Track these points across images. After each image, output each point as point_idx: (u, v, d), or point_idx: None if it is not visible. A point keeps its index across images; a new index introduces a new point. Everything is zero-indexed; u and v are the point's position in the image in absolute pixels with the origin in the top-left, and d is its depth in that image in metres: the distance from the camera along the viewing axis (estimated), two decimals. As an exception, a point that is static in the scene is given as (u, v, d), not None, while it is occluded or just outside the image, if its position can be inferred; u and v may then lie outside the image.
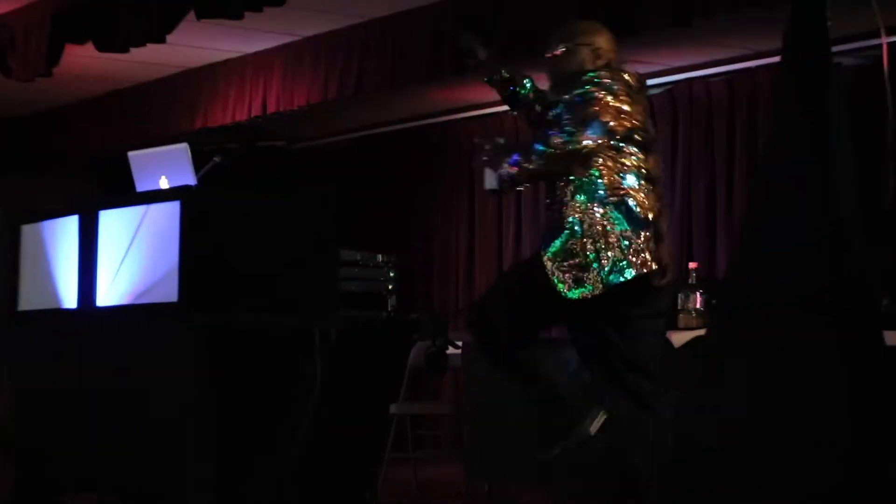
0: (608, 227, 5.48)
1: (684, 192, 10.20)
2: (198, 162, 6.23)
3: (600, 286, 5.45)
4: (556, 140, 5.57)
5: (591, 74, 5.69)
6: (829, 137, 3.62)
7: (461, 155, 11.73)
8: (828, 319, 3.50)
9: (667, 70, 10.18)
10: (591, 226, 5.49)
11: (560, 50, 5.90)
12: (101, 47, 8.78)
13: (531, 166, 5.63)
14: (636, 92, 5.69)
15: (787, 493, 3.52)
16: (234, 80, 10.41)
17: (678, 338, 7.10)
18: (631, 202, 5.51)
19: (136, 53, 8.98)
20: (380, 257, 6.53)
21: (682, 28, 7.55)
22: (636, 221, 5.50)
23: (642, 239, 5.49)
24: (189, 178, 6.14)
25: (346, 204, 6.21)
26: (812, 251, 3.55)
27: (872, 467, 3.41)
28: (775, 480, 3.52)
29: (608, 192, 5.52)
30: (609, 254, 5.46)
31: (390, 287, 6.48)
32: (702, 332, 6.91)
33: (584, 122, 5.56)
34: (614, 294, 5.48)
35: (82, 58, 9.77)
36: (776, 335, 3.58)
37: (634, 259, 5.47)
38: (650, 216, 5.54)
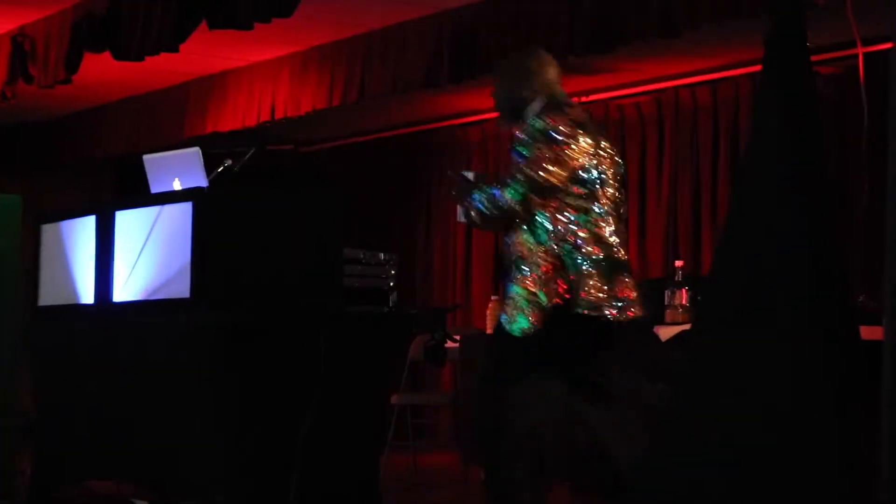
0: (549, 269, 5.32)
1: (671, 193, 10.21)
2: (209, 165, 6.23)
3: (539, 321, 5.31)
4: (493, 197, 5.39)
5: (532, 123, 5.43)
6: (808, 143, 3.63)
7: (460, 158, 11.73)
8: (805, 319, 3.50)
9: (654, 78, 10.19)
10: (533, 266, 5.34)
11: (498, 87, 5.72)
12: (118, 56, 8.78)
13: (475, 219, 5.49)
14: (580, 127, 5.44)
15: (771, 483, 3.52)
16: (243, 86, 10.41)
17: (665, 332, 7.11)
18: (571, 244, 5.32)
19: (151, 62, 8.97)
20: (381, 255, 6.53)
21: (668, 39, 7.56)
22: (576, 264, 5.31)
23: (585, 277, 5.29)
24: (201, 180, 6.14)
25: (349, 204, 6.21)
26: (791, 252, 3.55)
27: (853, 458, 3.41)
28: (759, 472, 3.52)
29: (549, 235, 5.33)
30: (544, 290, 5.32)
31: (391, 283, 6.48)
32: (687, 326, 6.92)
33: (513, 178, 5.35)
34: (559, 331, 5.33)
35: (100, 66, 9.77)
36: (757, 332, 3.59)
37: (570, 297, 5.29)
38: (595, 256, 5.33)
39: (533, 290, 5.30)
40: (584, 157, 5.38)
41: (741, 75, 9.71)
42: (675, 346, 6.90)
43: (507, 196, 5.33)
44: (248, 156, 6.43)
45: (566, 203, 5.35)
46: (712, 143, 10.00)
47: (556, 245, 5.31)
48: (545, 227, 5.34)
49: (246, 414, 5.69)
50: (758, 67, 8.83)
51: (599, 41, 7.58)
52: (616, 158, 5.54)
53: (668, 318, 7.31)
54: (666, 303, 7.36)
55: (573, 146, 5.37)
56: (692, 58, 9.55)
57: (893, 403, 3.06)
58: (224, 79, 10.61)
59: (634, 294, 5.42)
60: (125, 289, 6.13)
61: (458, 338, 8.64)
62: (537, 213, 5.35)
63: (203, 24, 8.11)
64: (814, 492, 3.42)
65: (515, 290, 5.36)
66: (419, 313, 9.24)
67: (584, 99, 10.62)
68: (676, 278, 7.53)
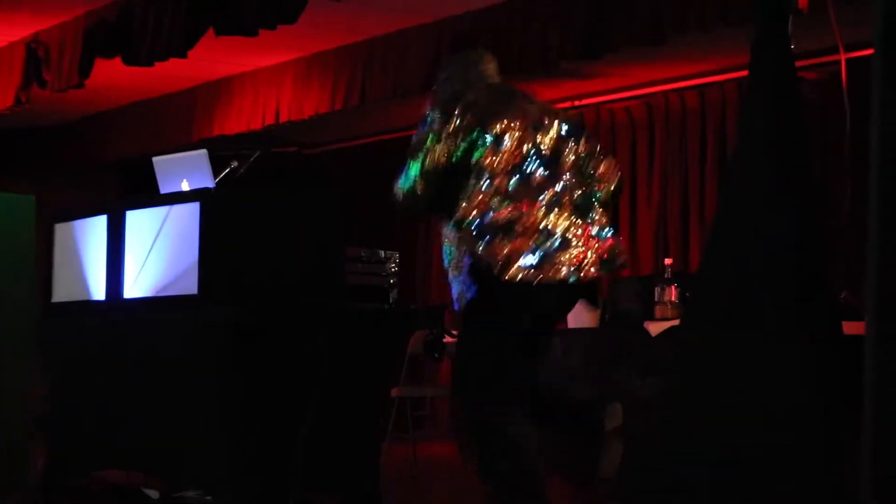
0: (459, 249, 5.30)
1: (661, 193, 10.21)
2: (216, 166, 6.23)
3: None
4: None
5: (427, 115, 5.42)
6: (793, 145, 3.62)
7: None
8: (791, 319, 3.50)
9: (644, 83, 10.19)
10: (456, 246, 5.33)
11: (440, 83, 5.67)
12: (129, 61, 8.78)
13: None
14: (484, 111, 5.31)
15: (757, 481, 3.51)
16: (248, 91, 10.42)
17: (655, 328, 7.11)
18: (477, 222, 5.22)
19: (160, 67, 8.97)
20: (382, 253, 6.53)
21: (657, 45, 7.55)
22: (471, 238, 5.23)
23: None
24: (208, 181, 6.13)
25: (350, 205, 6.20)
26: (777, 253, 3.55)
27: (838, 457, 3.40)
28: (745, 469, 3.52)
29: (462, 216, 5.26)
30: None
31: (392, 281, 6.47)
32: (676, 322, 6.92)
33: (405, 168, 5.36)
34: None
35: (111, 71, 9.77)
36: (743, 331, 3.58)
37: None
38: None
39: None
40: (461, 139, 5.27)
41: (728, 80, 9.71)
42: (665, 342, 6.90)
43: (399, 182, 5.36)
44: (253, 158, 6.43)
45: (471, 185, 5.26)
46: (700, 145, 10.01)
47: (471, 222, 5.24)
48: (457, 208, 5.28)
49: (250, 408, 5.68)
50: (744, 73, 8.86)
51: (591, 48, 7.58)
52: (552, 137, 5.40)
53: (657, 314, 7.31)
54: (656, 299, 7.36)
55: (451, 129, 5.27)
56: (680, 63, 9.55)
57: (875, 398, 3.06)
58: (230, 83, 10.61)
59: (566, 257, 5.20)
60: (135, 286, 6.12)
61: (455, 333, 8.64)
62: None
63: (210, 31, 8.11)
64: (799, 490, 3.41)
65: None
66: (418, 310, 9.26)
67: (576, 103, 10.63)
68: (666, 276, 7.53)
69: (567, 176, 5.35)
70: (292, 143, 12.87)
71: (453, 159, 5.27)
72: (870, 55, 3.14)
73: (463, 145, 5.27)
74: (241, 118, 10.45)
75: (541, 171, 5.32)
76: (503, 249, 5.12)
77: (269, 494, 5.77)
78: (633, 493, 3.74)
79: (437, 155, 5.28)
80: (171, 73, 10.16)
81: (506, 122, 5.32)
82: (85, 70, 9.12)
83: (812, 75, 8.79)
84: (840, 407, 3.43)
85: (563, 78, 9.84)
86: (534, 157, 5.33)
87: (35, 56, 9.57)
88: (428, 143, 5.30)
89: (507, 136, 5.29)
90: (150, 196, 6.38)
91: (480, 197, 5.20)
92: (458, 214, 5.25)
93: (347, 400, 5.85)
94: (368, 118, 11.39)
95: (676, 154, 10.16)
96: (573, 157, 5.41)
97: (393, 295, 6.45)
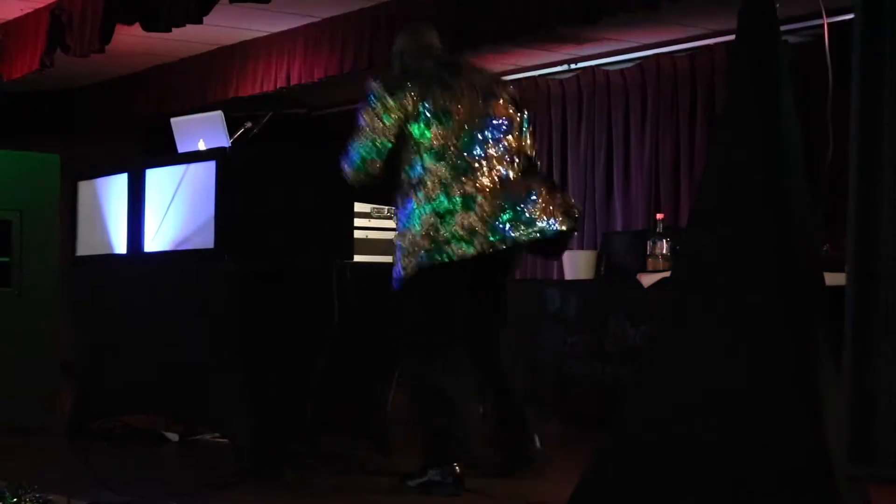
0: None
1: (652, 152, 10.20)
2: (231, 127, 6.22)
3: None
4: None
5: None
6: (778, 106, 3.62)
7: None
8: (775, 280, 3.50)
9: (637, 47, 10.15)
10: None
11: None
12: (147, 27, 8.76)
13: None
14: (405, 83, 5.34)
15: (740, 429, 3.52)
16: (261, 55, 10.39)
17: (647, 279, 7.11)
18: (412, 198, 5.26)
19: (178, 32, 8.95)
20: (387, 209, 6.53)
21: (650, 10, 7.53)
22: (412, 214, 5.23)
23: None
24: (223, 141, 6.13)
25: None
26: (761, 212, 3.55)
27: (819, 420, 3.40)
28: (729, 415, 3.52)
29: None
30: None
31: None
32: (667, 274, 6.92)
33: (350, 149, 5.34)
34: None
35: (131, 36, 9.75)
36: (729, 288, 3.59)
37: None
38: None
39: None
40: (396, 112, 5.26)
41: (717, 44, 9.68)
42: (656, 293, 6.91)
43: (346, 163, 5.35)
44: (266, 119, 6.42)
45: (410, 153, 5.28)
46: (690, 106, 9.99)
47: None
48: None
49: (264, 353, 5.70)
50: (732, 37, 8.83)
51: (587, 13, 7.54)
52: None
53: (649, 267, 7.31)
54: (648, 252, 7.36)
55: (384, 104, 5.28)
56: (672, 28, 9.52)
57: (855, 352, 3.07)
58: (244, 48, 10.58)
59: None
60: (155, 240, 6.13)
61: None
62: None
63: (225, -1, 8.09)
64: (779, 436, 3.42)
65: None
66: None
67: (572, 66, 10.60)
68: (658, 230, 7.52)
69: (509, 141, 5.37)
70: (303, 105, 12.84)
71: (398, 136, 5.27)
72: (852, 20, 3.13)
73: (411, 122, 5.25)
74: (255, 81, 10.43)
75: (490, 139, 5.32)
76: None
77: (283, 436, 5.80)
78: (622, 431, 3.75)
79: (383, 134, 5.27)
80: (188, 39, 10.14)
81: (450, 94, 5.31)
82: (106, 36, 9.09)
83: (796, 39, 8.77)
84: (823, 361, 3.44)
85: (560, 42, 9.82)
86: (482, 128, 5.33)
87: (59, 22, 9.55)
88: (375, 123, 5.27)
89: (451, 110, 5.28)
90: (169, 155, 6.38)
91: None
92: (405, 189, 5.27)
93: (356, 348, 5.87)
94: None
95: (668, 114, 10.15)
96: (516, 124, 5.43)
97: (399, 249, 6.45)
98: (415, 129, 5.25)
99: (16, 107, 12.38)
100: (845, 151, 3.13)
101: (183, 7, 8.39)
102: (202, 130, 6.31)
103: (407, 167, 5.28)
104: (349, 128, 5.41)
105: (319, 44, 9.81)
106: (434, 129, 5.24)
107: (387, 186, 5.46)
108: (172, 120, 6.56)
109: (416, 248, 5.17)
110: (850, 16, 3.16)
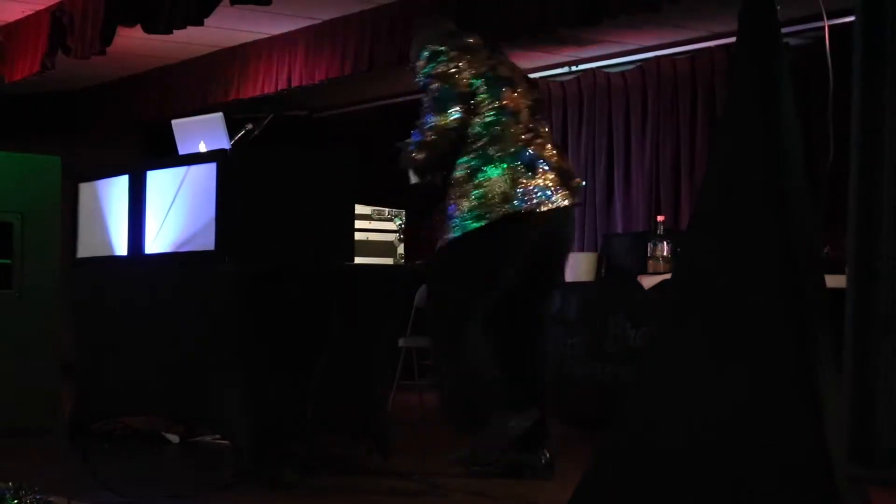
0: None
1: (653, 153, 10.22)
2: (231, 129, 6.23)
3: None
4: (424, 126, 5.47)
5: (423, 52, 5.60)
6: (778, 107, 3.62)
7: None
8: (775, 280, 3.50)
9: (638, 49, 10.17)
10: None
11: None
12: (148, 29, 8.77)
13: (416, 156, 5.53)
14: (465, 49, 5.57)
15: (738, 426, 3.52)
16: (262, 57, 10.41)
17: (647, 281, 7.12)
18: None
19: (178, 34, 8.97)
20: (388, 211, 6.53)
21: (651, 12, 7.54)
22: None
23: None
24: (224, 143, 6.14)
25: (360, 165, 6.21)
26: (761, 213, 3.55)
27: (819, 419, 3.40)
28: (729, 416, 3.52)
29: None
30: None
31: (398, 237, 6.49)
32: (668, 276, 6.93)
33: (437, 100, 5.45)
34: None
35: (131, 38, 9.76)
36: (729, 288, 3.59)
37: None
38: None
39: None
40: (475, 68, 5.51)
41: (717, 46, 9.70)
42: (657, 294, 6.92)
43: (447, 109, 5.45)
44: (266, 121, 6.42)
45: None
46: (691, 108, 10.01)
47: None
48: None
49: (265, 355, 5.70)
50: (732, 39, 8.84)
51: (587, 15, 7.56)
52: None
53: (650, 269, 7.32)
54: (648, 254, 7.37)
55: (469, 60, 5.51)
56: (673, 30, 9.53)
57: (856, 354, 3.07)
58: (245, 50, 10.60)
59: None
60: (155, 242, 6.13)
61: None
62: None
63: (226, 1, 8.09)
64: (778, 439, 3.42)
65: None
66: (423, 264, 9.26)
67: (573, 67, 10.62)
68: (658, 232, 7.53)
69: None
70: (304, 107, 12.86)
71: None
72: (852, 22, 3.14)
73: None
74: (256, 83, 10.45)
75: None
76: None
77: (283, 436, 5.80)
78: (622, 431, 3.75)
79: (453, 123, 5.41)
80: (189, 41, 10.16)
81: (498, 71, 5.56)
82: (107, 37, 9.11)
83: (797, 41, 8.78)
84: (823, 361, 3.44)
85: (560, 44, 9.83)
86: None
87: (60, 24, 9.56)
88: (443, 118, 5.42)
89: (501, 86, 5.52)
90: (170, 157, 6.39)
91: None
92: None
93: (357, 349, 5.87)
94: (376, 83, 11.38)
95: (668, 116, 10.16)
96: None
97: (399, 250, 6.47)
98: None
99: (17, 108, 12.39)
100: (846, 152, 3.14)
101: (184, 9, 8.40)
102: (203, 132, 6.32)
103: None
104: (349, 129, 5.45)
105: (320, 46, 9.82)
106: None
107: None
108: (173, 122, 6.56)
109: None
110: (851, 18, 3.16)
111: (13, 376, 6.89)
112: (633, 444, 3.69)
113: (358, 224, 6.27)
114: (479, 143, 5.43)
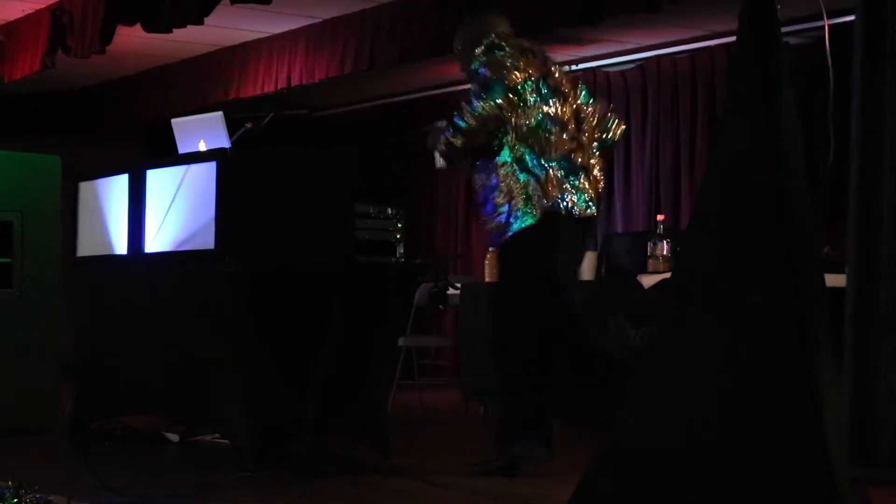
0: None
1: (653, 152, 10.22)
2: (231, 128, 6.23)
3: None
4: (467, 112, 5.51)
5: (485, 41, 5.67)
6: (779, 107, 3.62)
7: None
8: (775, 280, 3.50)
9: (638, 48, 10.18)
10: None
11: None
12: (148, 28, 8.76)
13: (454, 140, 5.56)
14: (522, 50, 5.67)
15: (739, 423, 3.52)
16: (262, 56, 10.40)
17: (647, 280, 7.12)
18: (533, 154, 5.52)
19: (178, 34, 8.96)
20: (389, 210, 6.53)
21: (651, 12, 7.53)
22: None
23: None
24: (224, 142, 6.13)
25: (359, 164, 6.21)
26: (761, 212, 3.55)
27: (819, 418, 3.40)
28: (729, 415, 3.52)
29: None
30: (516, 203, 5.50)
31: (398, 236, 6.48)
32: (667, 275, 6.93)
33: (485, 88, 5.51)
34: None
35: (131, 37, 9.76)
36: (729, 288, 3.59)
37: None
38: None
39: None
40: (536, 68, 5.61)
41: (717, 45, 9.70)
42: (657, 294, 6.91)
43: (491, 95, 5.49)
44: (266, 120, 6.42)
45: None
46: (691, 107, 10.01)
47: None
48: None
49: (265, 354, 5.70)
50: (732, 38, 8.84)
51: (587, 14, 7.56)
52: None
53: (650, 268, 7.32)
54: (648, 253, 7.37)
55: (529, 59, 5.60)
56: (672, 29, 9.53)
57: (856, 354, 3.07)
58: (245, 49, 10.60)
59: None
60: (155, 241, 6.13)
61: (458, 286, 8.65)
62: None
63: (226, 0, 8.09)
64: (777, 438, 3.42)
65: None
66: (423, 263, 9.27)
67: (573, 67, 10.61)
68: (658, 231, 7.53)
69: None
70: (304, 106, 12.86)
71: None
72: (852, 21, 3.13)
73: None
74: (256, 82, 10.45)
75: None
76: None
77: (283, 436, 5.80)
78: (622, 432, 3.75)
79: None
80: (189, 40, 10.15)
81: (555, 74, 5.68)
82: (107, 36, 9.10)
83: (797, 40, 8.78)
84: (823, 361, 3.44)
85: (561, 43, 9.82)
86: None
87: (60, 23, 9.56)
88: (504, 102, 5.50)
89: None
90: (170, 156, 6.39)
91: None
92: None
93: (358, 349, 5.87)
94: (376, 82, 11.38)
95: (668, 115, 10.16)
96: None
97: (399, 249, 6.46)
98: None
99: (17, 108, 12.40)
100: (846, 152, 3.13)
101: (184, 8, 8.40)
102: (203, 131, 6.31)
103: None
104: (349, 128, 5.47)
105: (320, 45, 9.82)
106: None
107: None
108: (173, 121, 6.56)
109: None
110: (851, 17, 3.16)
111: (13, 376, 6.89)
112: (633, 444, 3.69)
113: (358, 223, 6.27)
114: (525, 144, 5.50)
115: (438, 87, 11.80)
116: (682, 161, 10.02)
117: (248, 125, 6.42)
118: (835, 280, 3.81)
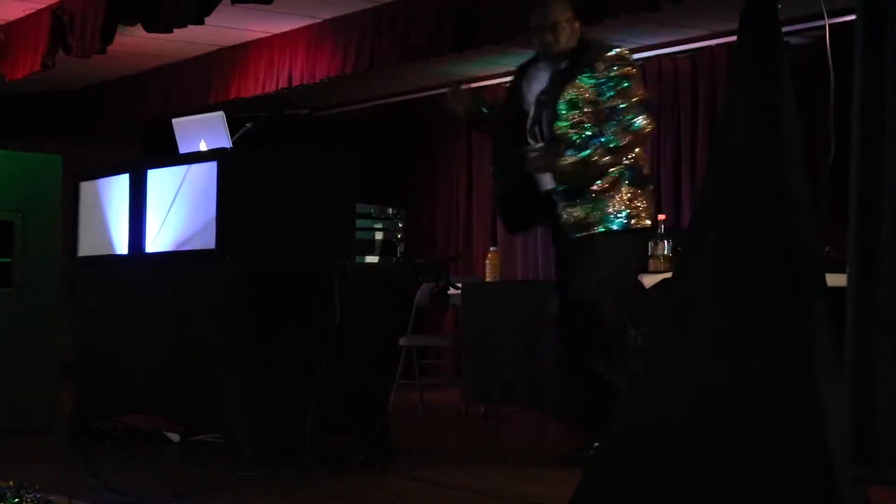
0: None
1: (654, 152, 10.21)
2: (232, 127, 6.23)
3: None
4: (623, 127, 5.62)
5: (618, 51, 5.86)
6: (779, 107, 3.62)
7: (461, 122, 11.72)
8: (775, 280, 3.50)
9: (638, 48, 10.16)
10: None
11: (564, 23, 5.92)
12: (149, 28, 8.77)
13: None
14: None
15: (741, 420, 3.52)
16: (263, 56, 10.40)
17: (649, 280, 7.12)
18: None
19: (179, 34, 8.96)
20: (390, 210, 6.54)
21: (652, 12, 7.54)
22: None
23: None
24: (225, 142, 6.14)
25: (360, 164, 6.21)
26: (762, 213, 3.55)
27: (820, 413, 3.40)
28: (729, 415, 3.52)
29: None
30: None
31: (399, 236, 6.49)
32: (669, 275, 6.93)
33: (640, 104, 5.67)
34: None
35: (132, 37, 9.76)
36: (730, 288, 3.59)
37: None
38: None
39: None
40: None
41: (718, 45, 9.69)
42: (658, 293, 6.91)
43: (640, 121, 5.64)
44: (267, 120, 6.42)
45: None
46: (692, 107, 10.01)
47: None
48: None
49: (266, 354, 5.70)
50: (733, 38, 8.84)
51: (588, 13, 7.54)
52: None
53: (651, 268, 7.32)
54: (650, 253, 7.37)
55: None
56: (673, 29, 9.53)
57: (856, 354, 3.07)
58: (246, 49, 10.60)
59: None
60: (156, 240, 6.14)
61: (459, 285, 8.65)
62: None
63: (226, 0, 8.09)
64: (779, 438, 3.42)
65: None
66: (424, 263, 9.26)
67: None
68: (659, 231, 7.53)
69: None
70: (304, 106, 12.86)
71: None
72: (853, 21, 3.14)
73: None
74: (257, 82, 10.45)
75: None
76: None
77: (285, 437, 5.80)
78: (622, 432, 3.75)
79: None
80: (190, 40, 10.15)
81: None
82: (107, 36, 9.11)
83: (798, 40, 8.77)
84: (823, 361, 3.44)
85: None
86: None
87: (60, 22, 9.56)
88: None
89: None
90: (170, 156, 6.39)
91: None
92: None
93: (359, 348, 5.87)
94: (377, 82, 11.37)
95: (669, 116, 10.16)
96: None
97: (400, 249, 6.47)
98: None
99: (17, 107, 12.40)
100: (847, 152, 3.13)
101: (184, 8, 8.40)
102: (203, 131, 6.32)
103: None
104: (350, 128, 5.45)
105: (321, 44, 9.82)
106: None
107: None
108: (174, 120, 6.56)
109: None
110: (852, 17, 3.16)
111: (13, 375, 6.89)
112: (634, 444, 3.69)
113: (358, 223, 6.27)
114: (632, 156, 5.71)
115: (439, 86, 11.79)
116: (683, 160, 10.02)
117: (249, 125, 6.42)
118: (835, 280, 3.81)
